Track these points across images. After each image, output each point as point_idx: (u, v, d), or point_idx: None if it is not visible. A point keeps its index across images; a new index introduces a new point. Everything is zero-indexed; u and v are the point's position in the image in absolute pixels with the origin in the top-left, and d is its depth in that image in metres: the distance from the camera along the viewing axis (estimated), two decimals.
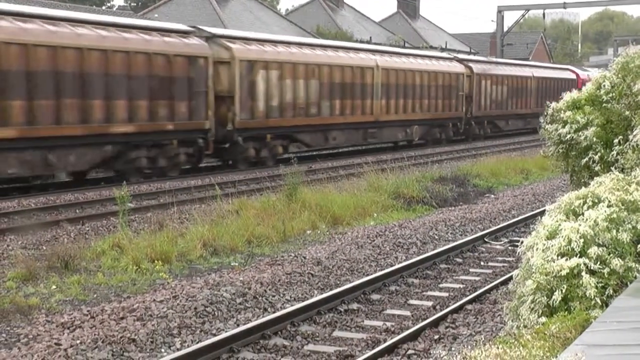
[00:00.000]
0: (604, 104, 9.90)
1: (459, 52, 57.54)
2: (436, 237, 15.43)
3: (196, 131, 24.03)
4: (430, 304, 10.86)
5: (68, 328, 9.20)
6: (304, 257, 13.04)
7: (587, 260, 6.38)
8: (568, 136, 9.98)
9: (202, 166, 27.25)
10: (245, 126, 25.73)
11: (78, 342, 8.66)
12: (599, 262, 6.39)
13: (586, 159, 9.79)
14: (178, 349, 8.67)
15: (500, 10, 59.36)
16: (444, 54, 42.29)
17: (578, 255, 6.43)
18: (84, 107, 20.32)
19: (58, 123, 19.71)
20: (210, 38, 24.90)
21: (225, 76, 25.09)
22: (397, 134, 34.39)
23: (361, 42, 51.01)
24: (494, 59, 49.72)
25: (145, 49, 22.01)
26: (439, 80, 36.36)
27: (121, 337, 8.81)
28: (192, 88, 23.53)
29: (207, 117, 24.19)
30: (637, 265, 6.48)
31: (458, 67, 38.58)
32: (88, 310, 9.83)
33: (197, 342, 8.81)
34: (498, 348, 4.95)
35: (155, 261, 12.36)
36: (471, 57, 49.44)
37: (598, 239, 6.57)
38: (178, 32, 24.05)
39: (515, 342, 5.33)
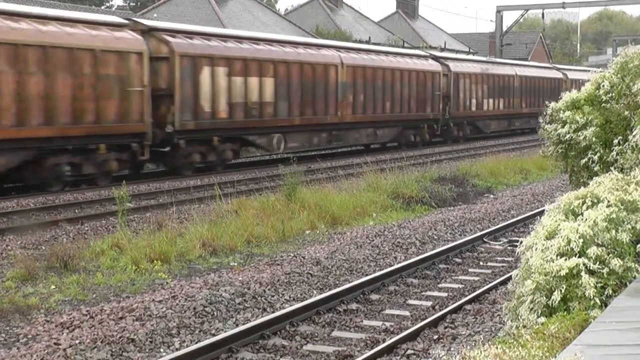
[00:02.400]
0: (603, 104, 9.90)
1: (450, 50, 57.46)
2: (435, 237, 15.43)
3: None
4: (429, 304, 10.86)
5: (67, 328, 9.19)
6: (303, 257, 13.03)
7: (586, 260, 6.38)
8: (567, 136, 9.97)
9: (202, 166, 27.24)
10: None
11: (77, 342, 8.65)
12: (598, 262, 6.39)
13: (585, 159, 9.79)
14: (177, 349, 8.67)
15: (499, 10, 59.32)
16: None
17: (577, 255, 6.43)
18: None
19: None
20: (147, 32, 22.67)
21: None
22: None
23: (360, 42, 50.92)
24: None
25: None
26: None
27: (120, 337, 8.81)
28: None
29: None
30: (636, 265, 6.48)
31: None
32: (87, 310, 9.83)
33: (196, 342, 8.81)
34: (497, 348, 4.95)
35: (155, 261, 12.36)
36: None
37: (597, 239, 6.57)
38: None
39: (515, 342, 5.33)
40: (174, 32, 23.87)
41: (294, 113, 27.24)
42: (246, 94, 25.27)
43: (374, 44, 49.33)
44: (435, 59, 37.60)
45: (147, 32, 22.91)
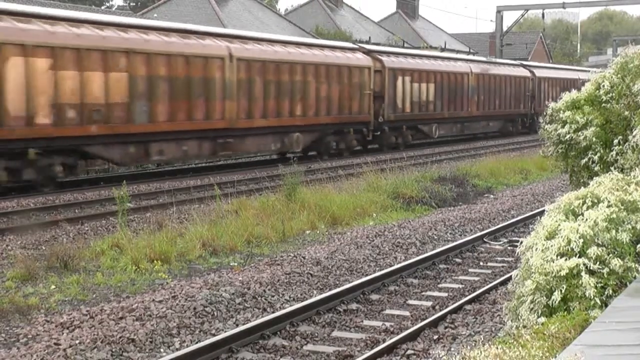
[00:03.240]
0: (604, 104, 9.90)
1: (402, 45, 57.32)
2: (435, 237, 15.43)
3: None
4: (429, 304, 10.86)
5: (67, 328, 9.19)
6: (303, 257, 13.03)
7: (586, 261, 6.38)
8: (567, 136, 9.97)
9: (201, 166, 27.27)
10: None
11: (77, 342, 8.65)
12: (598, 262, 6.39)
13: (585, 159, 9.79)
14: (177, 349, 8.67)
15: (499, 10, 59.35)
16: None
17: (577, 256, 6.43)
18: None
19: None
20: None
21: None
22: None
23: (360, 42, 50.80)
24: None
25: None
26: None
27: (120, 337, 8.81)
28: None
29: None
30: (636, 265, 6.48)
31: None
32: (87, 310, 9.83)
33: (197, 342, 8.81)
34: (497, 348, 4.95)
35: (155, 261, 12.36)
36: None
37: (597, 239, 6.57)
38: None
39: (515, 342, 5.33)
40: (383, 53, 34.03)
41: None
42: (419, 95, 34.62)
43: (374, 43, 49.29)
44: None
45: (368, 53, 32.35)
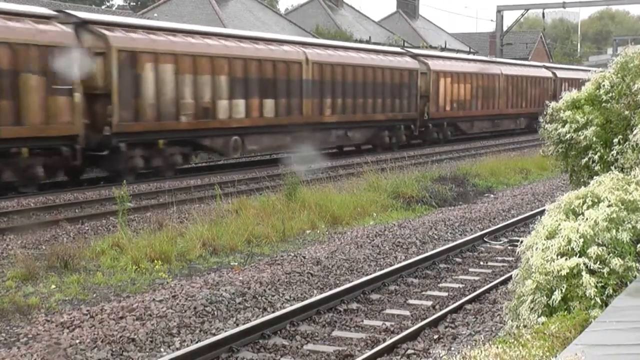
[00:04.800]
0: (604, 104, 9.90)
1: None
2: (436, 236, 15.43)
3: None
4: (429, 303, 10.86)
5: (67, 327, 9.19)
6: (304, 257, 13.03)
7: (586, 260, 6.37)
8: (567, 136, 9.97)
9: (201, 166, 27.28)
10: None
11: (77, 341, 8.66)
12: (598, 262, 6.39)
13: (586, 158, 9.78)
14: (177, 349, 8.67)
15: (499, 10, 59.38)
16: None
17: (578, 255, 6.43)
18: None
19: None
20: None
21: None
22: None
23: (360, 41, 50.74)
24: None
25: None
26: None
27: (120, 337, 8.81)
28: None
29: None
30: (636, 264, 6.48)
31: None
32: (87, 310, 9.83)
33: (197, 342, 8.81)
34: (497, 348, 4.95)
35: (155, 261, 12.36)
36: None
37: (598, 238, 6.57)
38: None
39: (515, 342, 5.32)
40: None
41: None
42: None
43: (375, 43, 49.27)
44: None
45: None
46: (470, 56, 49.15)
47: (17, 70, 18.41)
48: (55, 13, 20.91)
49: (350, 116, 30.37)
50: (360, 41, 51.09)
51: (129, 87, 21.20)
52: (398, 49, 38.31)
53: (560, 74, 50.23)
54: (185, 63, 22.81)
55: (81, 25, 20.76)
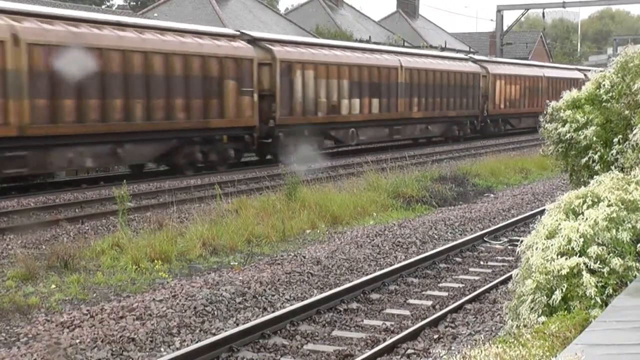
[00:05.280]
0: (604, 103, 9.90)
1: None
2: (436, 236, 15.43)
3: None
4: (429, 303, 10.86)
5: (67, 327, 9.19)
6: (304, 257, 13.03)
7: (587, 260, 6.37)
8: (567, 135, 9.97)
9: (201, 165, 27.25)
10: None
11: (77, 341, 8.66)
12: (598, 262, 6.38)
13: (586, 158, 9.78)
14: (177, 349, 8.67)
15: (499, 10, 59.40)
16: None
17: (578, 255, 6.43)
18: None
19: None
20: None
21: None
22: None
23: (360, 41, 50.76)
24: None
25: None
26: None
27: (120, 337, 8.81)
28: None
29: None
30: (636, 264, 6.48)
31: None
32: (87, 310, 9.83)
33: (197, 342, 8.81)
34: (498, 347, 4.95)
35: (155, 260, 12.36)
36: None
37: (598, 238, 6.57)
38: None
39: (515, 342, 5.32)
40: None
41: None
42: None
43: (375, 43, 49.27)
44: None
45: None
46: (520, 61, 53.41)
47: (222, 77, 24.47)
48: (238, 33, 27.15)
49: (431, 112, 36.52)
50: (361, 41, 51.04)
51: (286, 89, 27.40)
52: (461, 55, 45.17)
53: (591, 75, 52.16)
54: (321, 70, 29.08)
55: (253, 41, 26.76)
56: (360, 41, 50.77)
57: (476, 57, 46.78)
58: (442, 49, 57.04)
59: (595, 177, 7.96)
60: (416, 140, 38.16)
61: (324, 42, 33.94)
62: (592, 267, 6.34)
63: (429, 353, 8.63)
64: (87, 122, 20.16)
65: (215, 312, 9.92)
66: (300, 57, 28.25)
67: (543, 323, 6.00)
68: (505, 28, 60.65)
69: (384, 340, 9.08)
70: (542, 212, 7.67)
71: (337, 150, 33.19)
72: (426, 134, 37.54)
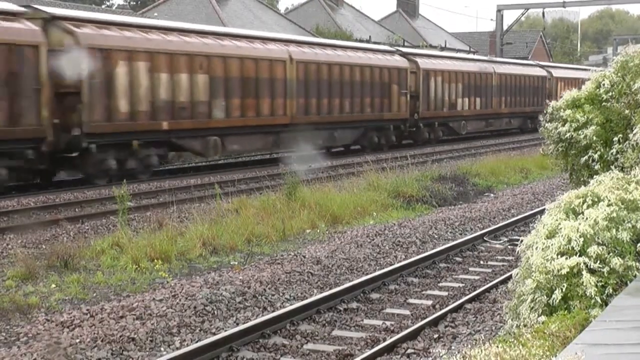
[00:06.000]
0: (604, 103, 9.90)
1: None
2: (436, 236, 15.43)
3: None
4: (429, 303, 10.85)
5: (67, 327, 9.19)
6: (304, 256, 13.03)
7: (587, 259, 6.37)
8: (568, 135, 9.96)
9: (201, 165, 27.27)
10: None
11: (77, 341, 8.66)
12: (598, 261, 6.38)
13: (586, 157, 9.78)
14: (177, 348, 8.67)
15: (499, 9, 59.38)
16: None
17: (578, 254, 6.42)
18: None
19: None
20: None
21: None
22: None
23: (361, 41, 50.76)
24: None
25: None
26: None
27: (120, 336, 8.81)
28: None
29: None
30: (636, 264, 6.48)
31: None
32: (87, 309, 9.83)
33: (197, 341, 8.81)
34: (498, 347, 4.94)
35: (155, 260, 12.36)
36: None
37: (598, 237, 6.56)
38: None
39: (515, 341, 5.32)
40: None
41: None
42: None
43: (375, 42, 49.26)
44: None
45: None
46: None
47: (389, 83, 33.21)
48: (392, 49, 36.87)
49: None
50: (361, 40, 51.02)
51: (425, 91, 35.97)
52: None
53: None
54: (448, 76, 37.82)
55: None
56: (361, 41, 50.77)
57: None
58: (442, 49, 57.06)
59: (595, 176, 7.96)
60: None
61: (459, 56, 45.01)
62: (592, 267, 6.34)
63: (429, 352, 8.63)
64: (313, 114, 28.63)
65: (215, 312, 9.92)
66: (433, 67, 37.03)
67: (543, 323, 6.00)
68: (505, 28, 60.63)
69: (384, 339, 9.08)
70: (542, 212, 7.67)
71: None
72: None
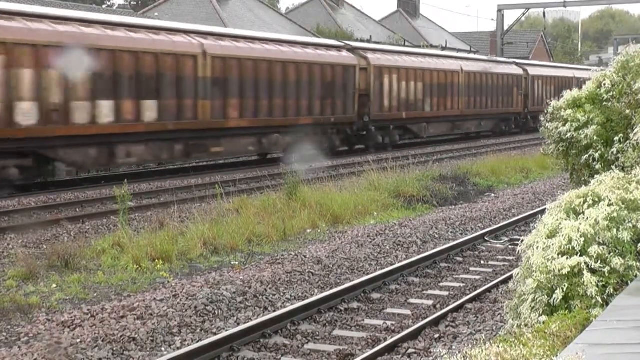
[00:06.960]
0: (605, 103, 9.90)
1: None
2: (436, 236, 15.43)
3: None
4: (430, 302, 10.85)
5: (68, 327, 9.19)
6: (304, 256, 13.03)
7: (587, 259, 6.37)
8: (568, 134, 9.96)
9: (201, 165, 27.28)
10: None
11: (78, 340, 8.66)
12: (599, 261, 6.38)
13: (586, 157, 9.78)
14: (178, 348, 8.67)
15: (500, 9, 59.36)
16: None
17: (579, 254, 6.43)
18: None
19: None
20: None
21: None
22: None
23: (361, 41, 50.73)
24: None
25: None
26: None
27: (121, 336, 8.81)
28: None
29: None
30: (637, 264, 6.48)
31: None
32: (88, 309, 9.83)
33: (198, 341, 8.81)
34: (498, 347, 4.95)
35: (156, 260, 12.36)
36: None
37: (598, 237, 6.56)
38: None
39: (516, 341, 5.32)
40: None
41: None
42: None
43: (375, 42, 49.25)
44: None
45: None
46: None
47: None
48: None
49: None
50: (362, 40, 50.96)
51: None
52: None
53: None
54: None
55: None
56: (362, 41, 50.74)
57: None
58: (443, 49, 57.03)
59: (596, 176, 7.96)
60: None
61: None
62: (592, 267, 6.34)
63: (430, 352, 8.63)
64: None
65: (216, 312, 9.92)
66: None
67: (544, 322, 6.00)
68: (506, 27, 60.63)
69: (385, 339, 9.08)
70: (542, 212, 7.67)
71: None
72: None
